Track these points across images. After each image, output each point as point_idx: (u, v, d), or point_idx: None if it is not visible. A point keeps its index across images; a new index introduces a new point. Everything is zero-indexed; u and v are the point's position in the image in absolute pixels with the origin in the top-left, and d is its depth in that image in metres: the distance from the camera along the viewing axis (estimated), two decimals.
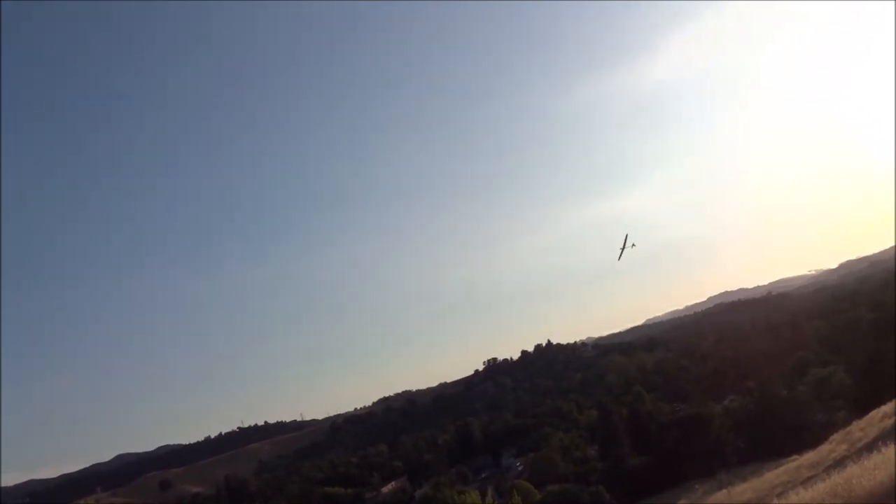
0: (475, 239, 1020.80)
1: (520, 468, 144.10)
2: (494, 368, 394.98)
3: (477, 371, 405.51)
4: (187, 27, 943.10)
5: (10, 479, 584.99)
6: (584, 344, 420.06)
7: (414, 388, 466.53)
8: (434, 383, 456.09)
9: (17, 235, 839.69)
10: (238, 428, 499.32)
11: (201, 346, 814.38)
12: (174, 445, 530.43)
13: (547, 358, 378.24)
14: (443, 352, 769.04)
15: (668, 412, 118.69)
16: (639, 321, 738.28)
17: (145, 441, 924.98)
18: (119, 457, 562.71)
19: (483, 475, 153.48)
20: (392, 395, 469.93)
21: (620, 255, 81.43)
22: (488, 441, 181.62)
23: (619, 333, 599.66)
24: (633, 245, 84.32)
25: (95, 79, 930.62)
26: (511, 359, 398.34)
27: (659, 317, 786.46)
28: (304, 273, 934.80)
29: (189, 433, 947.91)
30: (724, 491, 62.58)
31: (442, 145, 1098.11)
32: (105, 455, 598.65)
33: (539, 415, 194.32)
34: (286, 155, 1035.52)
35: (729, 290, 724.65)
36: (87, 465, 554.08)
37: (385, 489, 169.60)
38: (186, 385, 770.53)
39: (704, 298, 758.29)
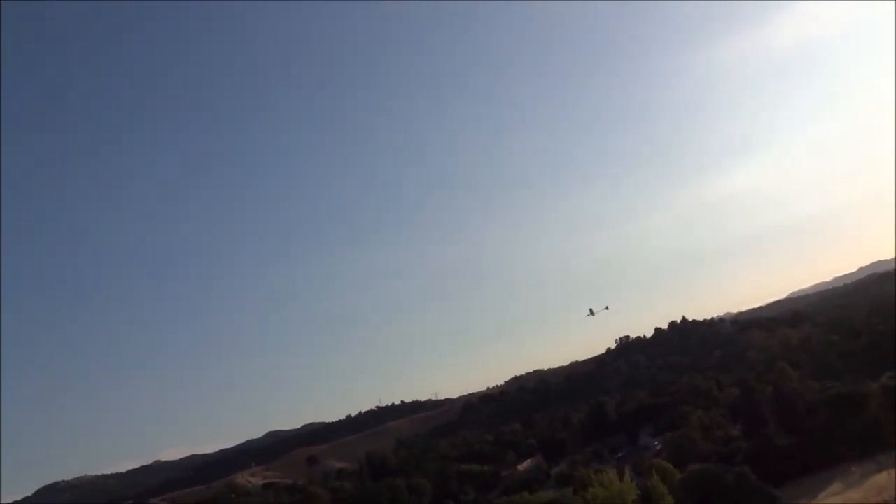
0: (607, 216, 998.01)
1: (657, 447, 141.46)
2: (627, 346, 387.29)
3: (609, 349, 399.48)
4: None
5: (177, 453, 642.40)
6: (721, 320, 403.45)
7: (546, 367, 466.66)
8: (566, 362, 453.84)
9: (177, 231, 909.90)
10: (376, 407, 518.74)
11: (342, 329, 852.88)
12: (318, 424, 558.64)
13: (682, 335, 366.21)
14: (574, 330, 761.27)
15: (818, 390, 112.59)
16: (781, 295, 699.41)
17: (293, 419, 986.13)
18: (269, 434, 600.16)
19: (619, 454, 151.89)
20: (524, 374, 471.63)
21: (593, 314, 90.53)
22: (623, 420, 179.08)
23: (760, 308, 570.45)
24: (607, 308, 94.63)
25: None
26: (644, 336, 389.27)
27: (804, 289, 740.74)
28: (437, 255, 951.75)
29: (332, 412, 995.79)
30: (885, 473, 59.20)
31: (572, 123, 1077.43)
32: (257, 432, 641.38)
33: (676, 393, 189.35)
34: (420, 144, 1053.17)
35: (883, 258, 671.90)
36: (241, 441, 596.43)
37: (520, 467, 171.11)
38: (329, 366, 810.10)
39: (855, 269, 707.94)
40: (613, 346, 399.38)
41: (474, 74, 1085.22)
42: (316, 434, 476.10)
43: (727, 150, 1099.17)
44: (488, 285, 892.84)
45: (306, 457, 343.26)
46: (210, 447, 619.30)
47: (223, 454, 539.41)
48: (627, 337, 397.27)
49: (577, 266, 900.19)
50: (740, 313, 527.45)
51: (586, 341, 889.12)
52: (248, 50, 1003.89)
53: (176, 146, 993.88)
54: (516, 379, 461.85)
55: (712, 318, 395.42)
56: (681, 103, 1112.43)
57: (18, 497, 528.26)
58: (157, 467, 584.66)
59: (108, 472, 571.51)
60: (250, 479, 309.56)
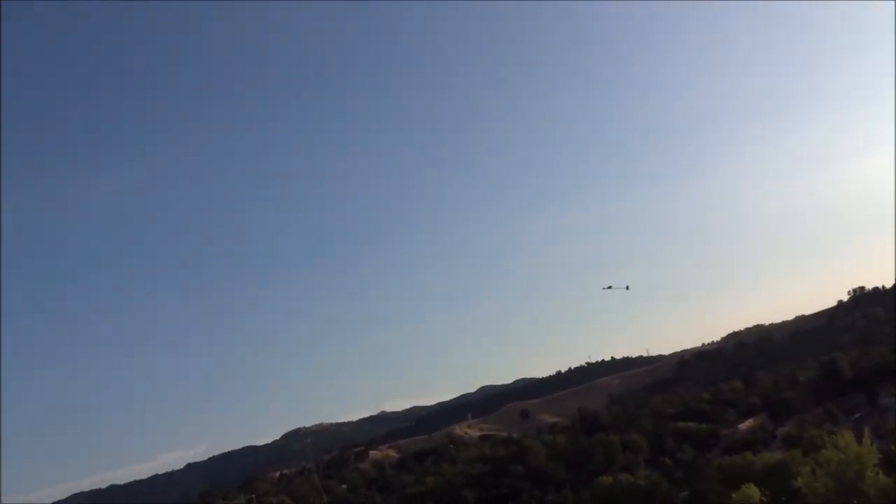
0: (834, 152, 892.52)
1: None
2: (862, 298, 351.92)
3: (840, 302, 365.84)
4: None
5: (399, 405, 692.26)
6: None
7: (767, 321, 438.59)
8: (790, 316, 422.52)
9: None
10: (586, 363, 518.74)
11: (553, 286, 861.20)
12: (530, 379, 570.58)
13: None
14: (799, 282, 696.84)
15: None
16: None
17: (505, 374, 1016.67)
18: (483, 388, 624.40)
19: (856, 415, 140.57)
20: (742, 329, 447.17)
21: (609, 287, 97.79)
22: (860, 378, 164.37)
23: None
24: (627, 287, 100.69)
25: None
26: (882, 287, 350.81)
27: None
28: (648, 207, 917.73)
29: (542, 367, 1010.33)
30: None
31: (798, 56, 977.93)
32: (471, 387, 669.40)
33: None
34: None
35: None
36: (457, 395, 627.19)
37: (742, 426, 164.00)
38: (540, 323, 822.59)
39: None
40: (846, 297, 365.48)
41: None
42: (527, 389, 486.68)
43: None
44: (704, 234, 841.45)
45: (519, 411, 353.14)
46: (429, 400, 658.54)
47: (441, 407, 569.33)
48: (862, 288, 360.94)
49: (803, 208, 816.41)
50: None
51: (814, 293, 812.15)
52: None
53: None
54: (734, 335, 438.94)
55: None
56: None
57: (268, 440, 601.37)
58: (383, 417, 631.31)
59: (342, 420, 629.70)
60: (467, 430, 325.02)
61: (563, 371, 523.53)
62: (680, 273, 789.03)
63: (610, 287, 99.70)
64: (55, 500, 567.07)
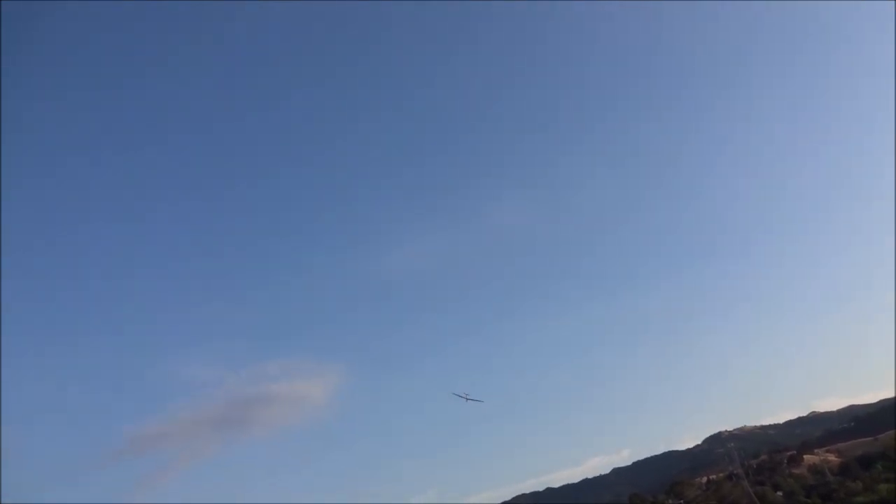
0: None
1: None
2: None
3: None
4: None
5: (833, 404, 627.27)
6: None
7: None
8: None
9: None
10: None
11: None
12: None
13: None
14: None
15: None
16: None
17: None
18: None
19: None
20: None
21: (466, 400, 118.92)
22: None
23: None
24: (465, 396, 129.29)
25: None
26: None
27: None
28: None
29: None
30: None
31: None
32: None
33: None
34: None
35: None
36: None
37: None
38: None
39: None
40: None
41: None
42: None
43: None
44: None
45: None
46: (869, 398, 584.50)
47: (884, 404, 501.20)
48: None
49: None
50: None
51: None
52: None
53: None
54: None
55: None
56: None
57: (690, 445, 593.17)
58: (814, 418, 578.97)
59: (766, 422, 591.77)
60: None
61: None
62: None
63: (465, 398, 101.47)
64: (503, 499, 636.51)
